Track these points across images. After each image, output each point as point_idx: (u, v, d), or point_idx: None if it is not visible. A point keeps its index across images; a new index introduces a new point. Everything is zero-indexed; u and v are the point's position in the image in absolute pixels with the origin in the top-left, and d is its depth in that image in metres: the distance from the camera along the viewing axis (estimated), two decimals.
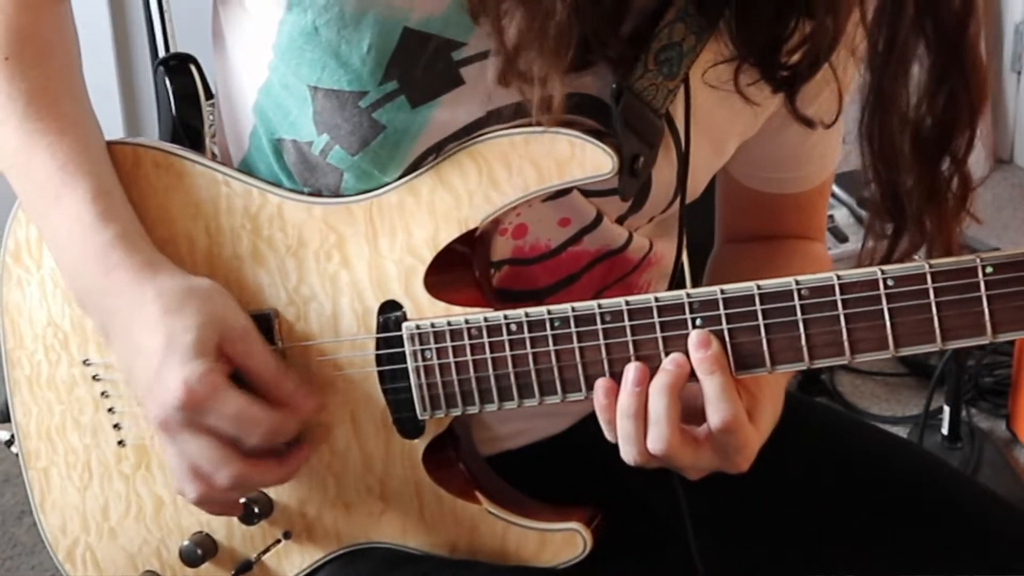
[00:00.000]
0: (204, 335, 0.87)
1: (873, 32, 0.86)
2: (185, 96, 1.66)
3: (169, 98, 1.67)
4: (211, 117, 1.65)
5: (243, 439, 0.88)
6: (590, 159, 0.87)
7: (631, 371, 0.85)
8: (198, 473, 0.89)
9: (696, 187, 1.02)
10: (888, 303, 0.81)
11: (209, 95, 1.65)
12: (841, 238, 2.53)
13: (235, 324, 0.90)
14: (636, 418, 0.85)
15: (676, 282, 1.09)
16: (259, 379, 0.90)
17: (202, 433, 0.87)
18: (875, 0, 0.85)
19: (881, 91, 0.87)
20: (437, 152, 0.91)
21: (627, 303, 0.86)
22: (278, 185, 0.96)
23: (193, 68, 1.69)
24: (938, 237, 0.90)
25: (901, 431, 2.31)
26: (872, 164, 0.90)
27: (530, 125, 0.87)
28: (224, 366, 0.88)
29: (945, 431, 2.24)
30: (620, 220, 1.00)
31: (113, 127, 2.75)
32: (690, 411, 0.86)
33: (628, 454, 0.87)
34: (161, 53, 2.03)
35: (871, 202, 0.92)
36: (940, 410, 2.25)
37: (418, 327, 0.91)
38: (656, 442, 0.85)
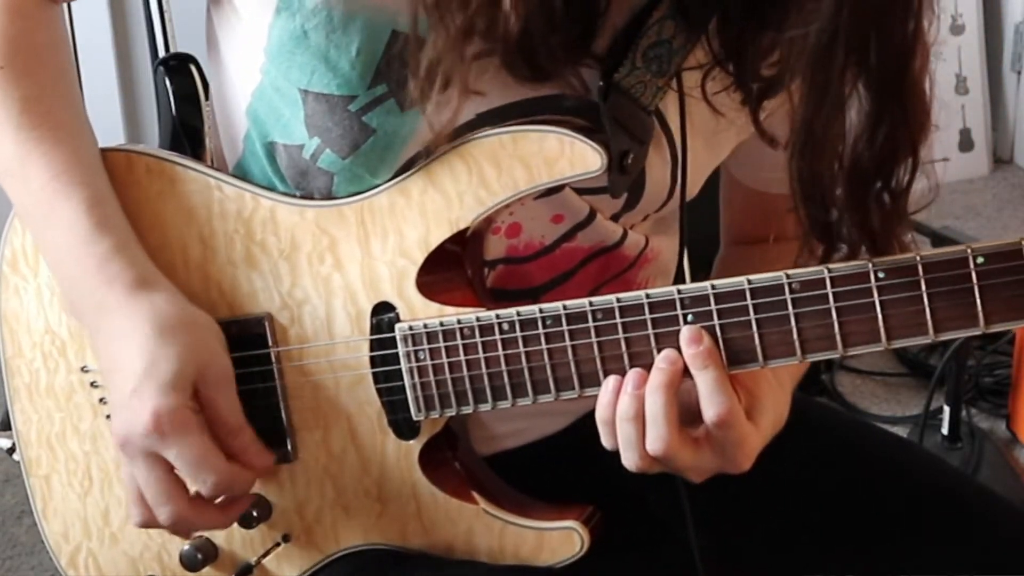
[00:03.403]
0: (185, 370, 0.88)
1: (807, 71, 0.83)
2: (185, 96, 1.67)
3: (169, 98, 1.67)
4: (211, 117, 1.65)
5: (194, 483, 0.89)
6: (579, 156, 0.87)
7: (632, 376, 0.86)
8: (142, 500, 0.90)
9: (692, 186, 1.01)
10: (879, 295, 0.81)
11: (209, 94, 1.66)
12: None
13: (216, 368, 0.90)
14: (636, 420, 0.85)
15: (679, 282, 1.09)
16: (219, 426, 0.90)
17: (156, 464, 0.88)
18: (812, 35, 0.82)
19: (812, 128, 0.84)
20: (427, 155, 0.91)
21: (618, 300, 0.86)
22: (271, 189, 0.97)
23: (193, 68, 1.69)
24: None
25: (901, 431, 2.31)
26: (800, 198, 0.87)
27: (523, 125, 0.88)
28: (196, 405, 0.89)
29: (945, 431, 2.23)
30: (615, 218, 1.00)
31: (113, 127, 2.75)
32: (687, 413, 0.86)
33: (629, 459, 0.87)
34: (161, 53, 2.03)
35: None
36: (940, 410, 2.25)
37: (411, 328, 0.91)
38: (655, 442, 0.85)
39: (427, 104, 0.86)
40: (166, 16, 2.02)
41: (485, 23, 0.82)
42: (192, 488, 0.90)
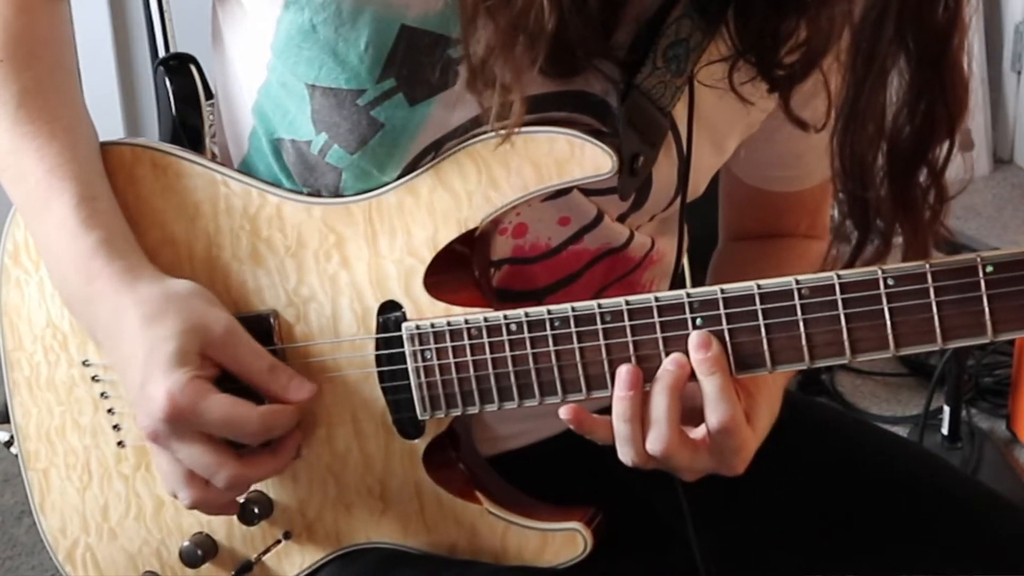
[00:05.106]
0: (185, 342, 0.87)
1: (853, 45, 0.84)
2: (185, 96, 1.67)
3: (169, 98, 1.68)
4: (211, 117, 1.66)
5: (236, 439, 0.88)
6: (589, 159, 0.86)
7: (622, 375, 0.85)
8: (193, 478, 0.89)
9: (697, 186, 1.01)
10: (888, 303, 0.81)
11: (209, 95, 1.66)
12: None
13: (216, 326, 0.89)
14: (632, 421, 0.86)
15: (676, 282, 1.09)
16: (250, 377, 0.90)
17: (193, 440, 0.87)
18: (860, 8, 0.84)
19: (857, 103, 0.85)
20: (436, 150, 0.91)
21: (627, 303, 0.86)
22: (277, 185, 0.96)
23: (193, 68, 1.70)
24: (913, 245, 0.89)
25: (901, 431, 2.31)
26: (841, 175, 0.88)
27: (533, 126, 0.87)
28: (210, 370, 0.88)
29: (945, 431, 2.24)
30: (621, 218, 1.00)
31: (113, 127, 2.75)
32: (687, 412, 0.86)
33: (625, 455, 0.87)
34: (161, 53, 2.03)
35: (840, 209, 0.91)
36: (940, 410, 2.26)
37: (418, 327, 0.91)
38: (655, 442, 0.85)
39: (484, 100, 0.86)
40: (166, 16, 2.03)
41: (528, 19, 0.82)
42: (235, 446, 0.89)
